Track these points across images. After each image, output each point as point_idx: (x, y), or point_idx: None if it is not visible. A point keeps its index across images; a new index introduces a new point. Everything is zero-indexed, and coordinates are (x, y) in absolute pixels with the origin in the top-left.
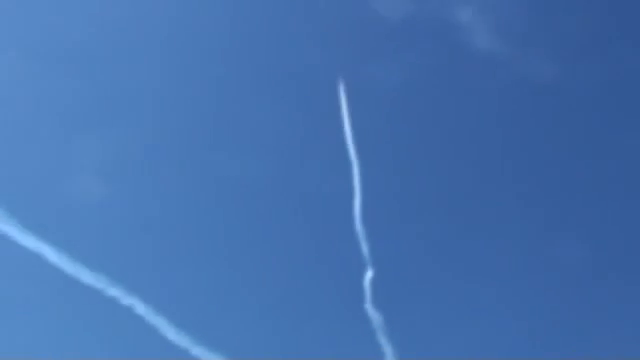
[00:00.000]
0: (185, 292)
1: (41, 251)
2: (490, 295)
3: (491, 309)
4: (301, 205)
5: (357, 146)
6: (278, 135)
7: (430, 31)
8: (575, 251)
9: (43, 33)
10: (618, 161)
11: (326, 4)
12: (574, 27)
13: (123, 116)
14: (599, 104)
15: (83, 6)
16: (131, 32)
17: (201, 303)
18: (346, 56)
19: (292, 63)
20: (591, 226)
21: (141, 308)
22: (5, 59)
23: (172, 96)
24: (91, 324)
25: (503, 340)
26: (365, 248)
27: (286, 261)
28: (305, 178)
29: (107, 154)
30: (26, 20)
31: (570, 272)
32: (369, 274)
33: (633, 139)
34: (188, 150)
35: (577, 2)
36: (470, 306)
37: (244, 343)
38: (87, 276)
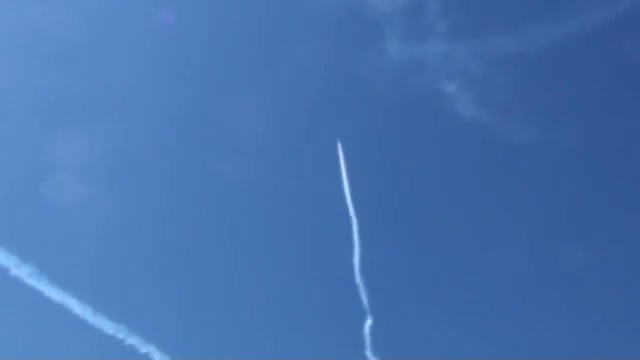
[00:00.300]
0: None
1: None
2: (489, 341)
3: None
4: (304, 258)
5: (356, 204)
6: (284, 196)
7: (419, 102)
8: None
9: (26, 30)
10: (595, 218)
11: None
12: (550, 96)
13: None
14: (575, 164)
15: (70, 4)
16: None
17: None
18: (345, 120)
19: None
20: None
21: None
22: None
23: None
24: None
25: None
26: (365, 298)
27: (291, 311)
28: (307, 233)
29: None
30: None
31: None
32: (369, 322)
33: (608, 193)
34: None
35: (552, 74)
36: (468, 352)
37: None
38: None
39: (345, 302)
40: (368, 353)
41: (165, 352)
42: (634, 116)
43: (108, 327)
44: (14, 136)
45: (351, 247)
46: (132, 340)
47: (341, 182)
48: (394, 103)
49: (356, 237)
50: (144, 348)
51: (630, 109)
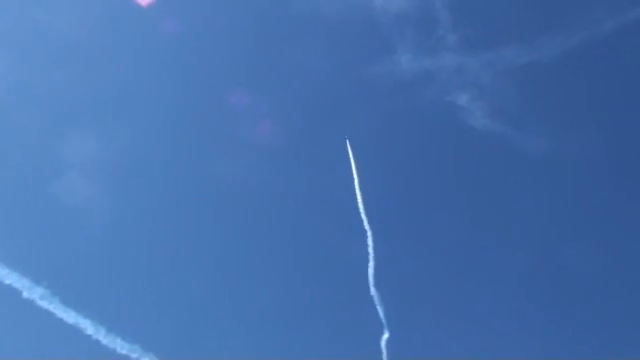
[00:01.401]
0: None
1: None
2: (505, 352)
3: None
4: (318, 271)
5: (369, 216)
6: (298, 210)
7: (432, 114)
8: None
9: (28, 30)
10: (608, 226)
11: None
12: (562, 106)
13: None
14: (588, 173)
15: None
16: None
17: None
18: (358, 132)
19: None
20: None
21: None
22: None
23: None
24: None
25: None
26: (381, 311)
27: (307, 325)
28: (321, 246)
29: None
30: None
31: None
32: (385, 336)
33: (621, 202)
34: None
35: (563, 84)
36: None
37: None
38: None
39: (361, 315)
40: None
41: None
42: None
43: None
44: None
45: (366, 259)
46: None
47: (355, 194)
48: (407, 115)
49: (371, 249)
50: None
51: None
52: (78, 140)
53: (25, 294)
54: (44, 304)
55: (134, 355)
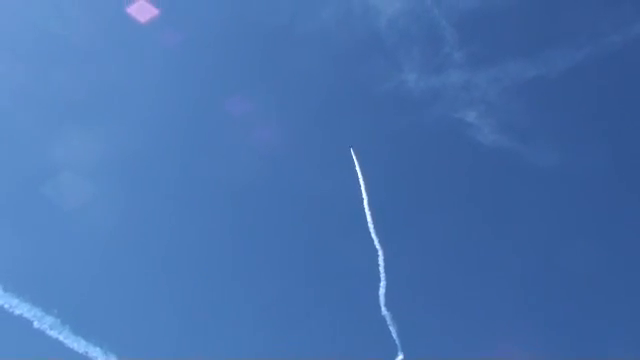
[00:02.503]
0: None
1: None
2: None
3: None
4: (329, 293)
5: (380, 235)
6: (307, 230)
7: (441, 131)
8: None
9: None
10: (620, 237)
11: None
12: (570, 119)
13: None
14: (597, 186)
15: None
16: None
17: None
18: (367, 152)
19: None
20: None
21: None
22: None
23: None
24: None
25: None
26: (393, 332)
27: (320, 349)
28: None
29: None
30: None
31: None
32: (400, 358)
33: (632, 213)
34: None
35: (570, 98)
36: None
37: None
38: None
39: (373, 337)
40: None
41: None
42: None
43: None
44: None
45: (376, 279)
46: None
47: (364, 214)
48: (416, 133)
49: (382, 269)
50: None
51: None
52: (78, 152)
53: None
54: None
55: None
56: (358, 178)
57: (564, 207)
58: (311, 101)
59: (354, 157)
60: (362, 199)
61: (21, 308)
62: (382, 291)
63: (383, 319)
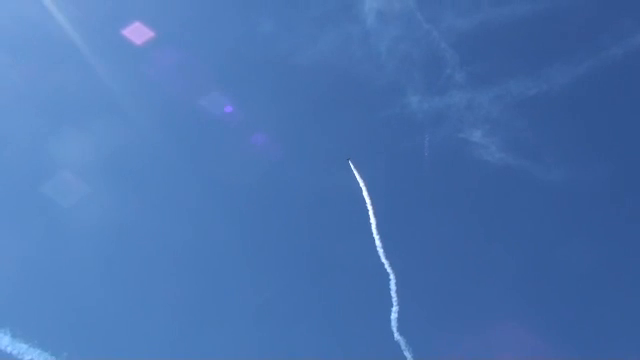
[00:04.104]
0: None
1: None
2: None
3: None
4: (341, 317)
5: (390, 259)
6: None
7: (447, 152)
8: None
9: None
10: (623, 251)
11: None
12: (575, 134)
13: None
14: (606, 199)
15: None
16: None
17: None
18: (374, 174)
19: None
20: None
21: None
22: None
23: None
24: None
25: None
26: (409, 357)
27: None
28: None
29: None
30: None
31: None
32: None
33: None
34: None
35: (574, 112)
36: None
37: None
38: None
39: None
40: None
41: None
42: None
43: None
44: None
45: (389, 304)
46: None
47: (373, 238)
48: (423, 155)
49: (394, 294)
50: None
51: None
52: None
53: None
54: None
55: None
56: (366, 203)
57: (574, 221)
58: (316, 129)
59: (361, 183)
60: (370, 223)
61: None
62: (394, 316)
63: (397, 344)
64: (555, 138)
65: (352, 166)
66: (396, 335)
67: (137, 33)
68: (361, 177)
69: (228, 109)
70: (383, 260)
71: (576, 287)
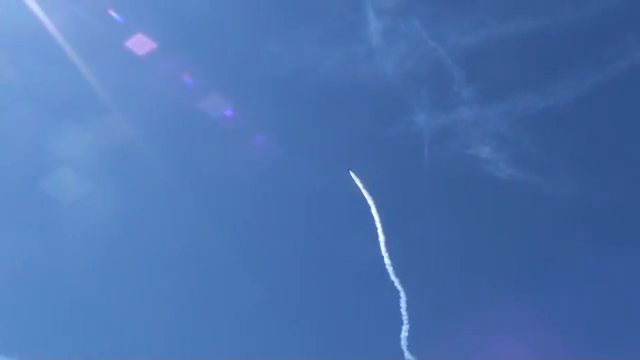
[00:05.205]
0: None
1: None
2: None
3: None
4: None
5: (400, 277)
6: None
7: (455, 169)
8: None
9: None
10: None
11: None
12: (586, 147)
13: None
14: (620, 213)
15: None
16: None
17: None
18: (381, 192)
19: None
20: None
21: None
22: None
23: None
24: None
25: None
26: None
27: None
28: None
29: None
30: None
31: None
32: None
33: None
34: None
35: (584, 125)
36: None
37: None
38: None
39: None
40: None
41: None
42: None
43: None
44: None
45: (399, 322)
46: None
47: (382, 257)
48: (430, 173)
49: (404, 311)
50: None
51: None
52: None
53: None
54: None
55: None
56: (375, 221)
57: (587, 235)
58: (323, 149)
59: (370, 200)
60: (379, 242)
61: None
62: (404, 334)
63: None
64: (564, 152)
65: (360, 184)
66: (407, 354)
67: (140, 45)
68: (369, 194)
69: (229, 115)
70: (392, 278)
71: (593, 304)
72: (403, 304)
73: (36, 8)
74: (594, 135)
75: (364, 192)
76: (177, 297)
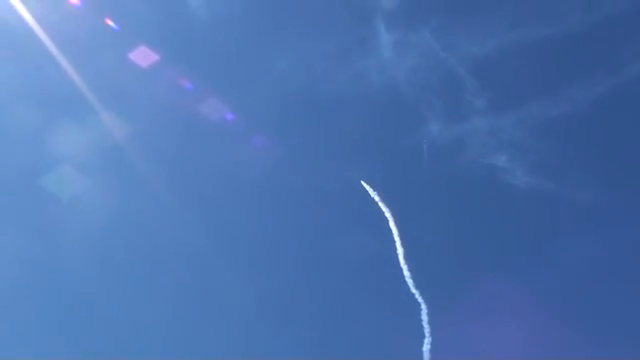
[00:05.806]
0: None
1: None
2: None
3: None
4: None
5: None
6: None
7: (472, 178)
8: None
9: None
10: None
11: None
12: (602, 153)
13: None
14: (635, 222)
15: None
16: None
17: None
18: (397, 202)
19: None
20: None
21: None
22: None
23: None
24: None
25: None
26: None
27: None
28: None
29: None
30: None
31: None
32: None
33: None
34: None
35: (599, 131)
36: None
37: None
38: None
39: None
40: None
41: None
42: None
43: None
44: None
45: (421, 335)
46: None
47: (400, 267)
48: (448, 183)
49: (426, 324)
50: None
51: None
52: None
53: None
54: None
55: None
56: (392, 233)
57: (609, 244)
58: (339, 163)
59: (387, 213)
60: (397, 253)
61: None
62: (427, 347)
63: None
64: (581, 158)
65: (376, 197)
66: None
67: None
68: (386, 207)
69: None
70: (413, 290)
71: (613, 309)
72: (424, 316)
73: (30, 17)
74: (610, 140)
75: (381, 205)
76: (177, 297)
